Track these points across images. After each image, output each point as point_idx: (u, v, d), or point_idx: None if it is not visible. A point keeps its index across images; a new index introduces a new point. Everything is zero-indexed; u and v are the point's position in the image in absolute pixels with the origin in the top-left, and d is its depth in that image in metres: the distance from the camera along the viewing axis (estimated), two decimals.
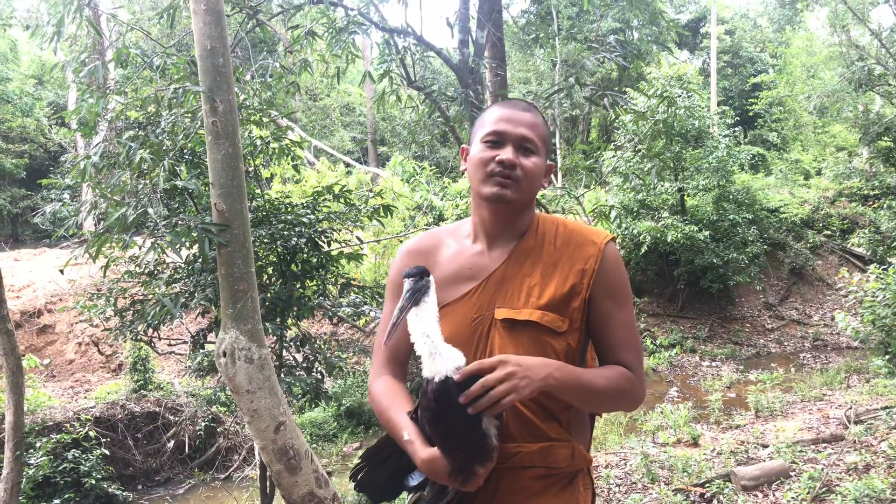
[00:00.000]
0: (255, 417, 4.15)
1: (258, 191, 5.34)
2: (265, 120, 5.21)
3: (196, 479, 8.50)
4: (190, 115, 4.67)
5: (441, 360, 1.55)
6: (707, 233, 14.19)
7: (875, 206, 17.67)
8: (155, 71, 5.05)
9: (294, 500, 4.31)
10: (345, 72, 6.71)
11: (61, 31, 5.13)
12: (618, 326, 1.79)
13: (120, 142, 4.45)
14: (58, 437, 7.40)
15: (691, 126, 14.56)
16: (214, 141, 4.07)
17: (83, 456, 7.44)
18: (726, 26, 27.00)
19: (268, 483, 4.94)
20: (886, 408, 7.32)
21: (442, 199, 14.07)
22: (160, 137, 4.57)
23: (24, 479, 6.23)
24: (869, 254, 15.92)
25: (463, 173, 1.94)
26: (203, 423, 8.87)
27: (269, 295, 4.96)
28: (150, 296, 5.09)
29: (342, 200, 5.48)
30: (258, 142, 5.29)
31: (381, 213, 5.68)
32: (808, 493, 5.27)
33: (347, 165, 18.66)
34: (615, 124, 15.03)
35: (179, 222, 4.48)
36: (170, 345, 8.57)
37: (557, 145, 21.94)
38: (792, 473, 5.79)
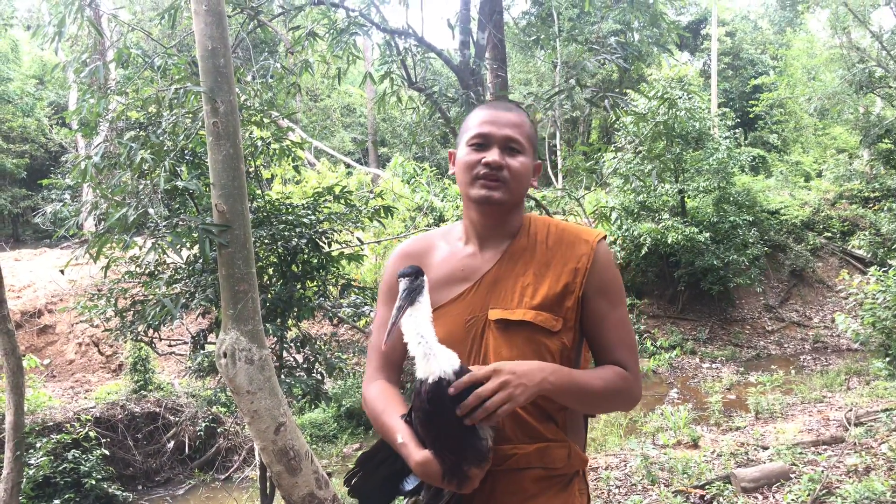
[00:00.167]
0: (255, 418, 4.14)
1: (259, 191, 5.34)
2: (266, 121, 5.21)
3: (196, 480, 8.51)
4: (191, 115, 4.68)
5: (435, 361, 1.54)
6: (707, 234, 14.18)
7: (875, 208, 17.67)
8: (156, 71, 5.06)
9: (294, 501, 4.31)
10: (345, 73, 6.72)
11: (62, 32, 5.13)
12: (612, 325, 1.78)
13: (121, 142, 4.45)
14: (58, 437, 7.40)
15: (692, 128, 14.55)
16: (215, 141, 4.08)
17: (83, 456, 7.45)
18: (727, 28, 27.00)
19: (268, 484, 4.93)
20: (887, 410, 7.32)
21: (442, 200, 14.07)
22: (161, 138, 4.57)
23: (25, 480, 6.23)
24: (869, 256, 15.92)
25: (453, 176, 1.95)
26: (203, 424, 8.87)
27: (269, 296, 4.96)
28: (151, 296, 5.09)
29: (343, 201, 5.48)
30: (259, 142, 5.29)
31: (382, 214, 5.69)
32: (809, 495, 5.27)
33: (348, 166, 18.66)
34: (616, 126, 15.02)
35: (180, 223, 4.48)
36: (170, 345, 8.56)
37: (558, 146, 21.94)
38: (792, 475, 5.79)
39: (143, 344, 7.84)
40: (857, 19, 17.95)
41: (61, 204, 5.44)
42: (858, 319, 9.72)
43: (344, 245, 6.17)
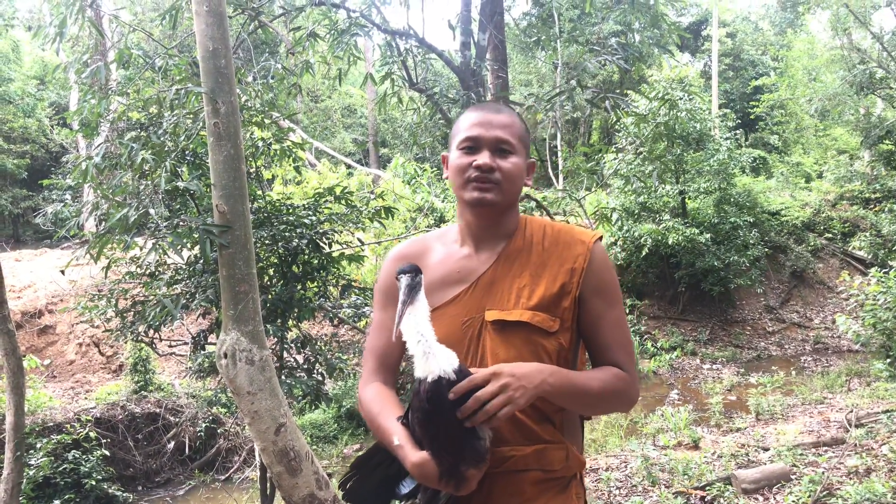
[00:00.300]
0: (255, 419, 4.14)
1: (260, 192, 5.34)
2: (267, 121, 5.22)
3: (196, 481, 8.51)
4: (192, 116, 4.68)
5: (434, 359, 1.53)
6: (708, 235, 14.17)
7: (876, 209, 17.66)
8: (157, 72, 5.06)
9: (294, 502, 4.31)
10: (346, 73, 6.72)
11: (63, 32, 5.14)
12: (609, 326, 1.78)
13: (122, 143, 4.46)
14: (58, 437, 7.40)
15: (692, 129, 14.55)
16: (216, 142, 4.08)
17: (83, 457, 7.44)
18: (728, 29, 27.00)
19: (268, 484, 4.93)
20: (887, 411, 7.32)
21: (443, 201, 14.06)
22: (162, 138, 4.57)
23: (25, 480, 6.23)
24: (870, 257, 15.91)
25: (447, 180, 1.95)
26: (203, 425, 8.87)
27: (270, 296, 4.96)
28: (151, 297, 5.09)
29: (343, 202, 5.49)
30: (260, 143, 5.29)
31: (383, 215, 5.69)
32: (809, 496, 5.27)
33: (349, 167, 18.66)
34: (616, 127, 15.02)
35: (181, 223, 4.48)
36: (170, 346, 8.58)
37: (559, 147, 21.94)
38: (792, 477, 5.79)
39: (143, 344, 7.84)
40: (857, 20, 17.95)
41: (62, 204, 5.45)
42: (859, 320, 9.71)
43: (344, 246, 6.17)
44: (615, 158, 11.76)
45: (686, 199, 15.27)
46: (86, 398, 9.34)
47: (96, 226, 5.45)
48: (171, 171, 4.21)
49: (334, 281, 5.54)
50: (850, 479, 5.62)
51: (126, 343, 8.43)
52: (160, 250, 4.54)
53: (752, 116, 24.42)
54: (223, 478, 8.57)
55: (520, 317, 1.72)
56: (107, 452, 7.78)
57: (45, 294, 12.44)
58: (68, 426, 7.75)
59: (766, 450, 6.78)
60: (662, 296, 15.63)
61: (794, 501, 5.29)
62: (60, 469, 7.23)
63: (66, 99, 22.59)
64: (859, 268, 15.91)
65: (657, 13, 6.50)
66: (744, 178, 16.85)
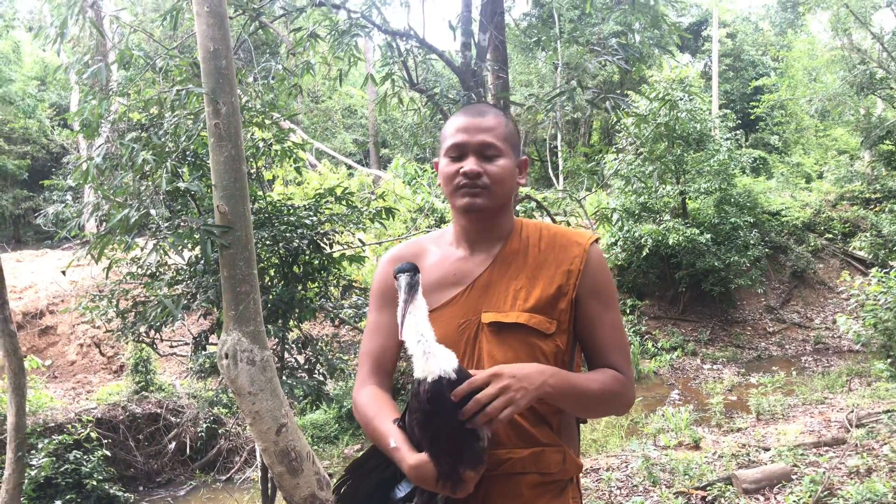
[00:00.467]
0: (256, 419, 4.15)
1: (260, 193, 5.35)
2: (267, 122, 5.23)
3: (197, 481, 8.51)
4: (192, 117, 4.68)
5: (434, 359, 1.52)
6: (708, 236, 14.17)
7: (877, 209, 17.65)
8: (158, 73, 5.07)
9: (296, 502, 4.31)
10: (347, 74, 6.72)
11: (64, 33, 5.15)
12: (605, 328, 1.78)
13: (122, 143, 4.46)
14: (59, 438, 7.40)
15: (693, 129, 14.55)
16: (217, 143, 4.08)
17: (85, 457, 7.45)
18: (728, 29, 27.00)
19: (269, 485, 4.94)
20: (888, 411, 7.32)
21: (443, 202, 14.07)
22: (163, 139, 4.58)
23: (26, 480, 6.23)
24: (870, 257, 15.90)
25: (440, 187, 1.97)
26: (204, 425, 8.87)
27: (270, 297, 4.97)
28: (152, 297, 5.10)
29: (344, 202, 5.49)
30: (260, 144, 5.30)
31: (383, 216, 5.70)
32: (810, 496, 5.27)
33: (349, 167, 18.69)
34: (617, 127, 15.02)
35: (182, 224, 4.49)
36: (171, 346, 8.57)
37: (559, 148, 21.95)
38: (793, 477, 5.79)
39: (144, 345, 7.85)
40: (858, 21, 17.95)
41: (63, 205, 5.47)
42: (860, 321, 9.72)
43: (345, 246, 6.18)
44: (615, 159, 11.76)
45: (686, 200, 15.27)
46: (87, 399, 9.34)
47: (97, 226, 5.46)
48: (171, 172, 4.22)
49: (335, 281, 5.55)
50: (851, 479, 5.62)
51: (127, 343, 8.43)
52: (161, 251, 4.56)
53: (752, 117, 24.41)
54: (224, 478, 8.58)
55: (516, 319, 1.72)
56: (108, 453, 7.78)
57: (47, 295, 12.45)
58: (69, 427, 7.76)
59: (767, 450, 6.78)
60: (663, 296, 15.63)
61: (794, 501, 5.29)
62: (62, 469, 7.24)
63: (67, 100, 22.61)
64: (860, 268, 15.90)
65: (658, 14, 6.50)
66: (744, 178, 16.85)
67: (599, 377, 1.73)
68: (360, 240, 7.79)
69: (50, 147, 22.49)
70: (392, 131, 25.86)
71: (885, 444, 6.39)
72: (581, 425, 1.97)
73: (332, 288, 5.53)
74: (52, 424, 7.83)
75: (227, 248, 4.06)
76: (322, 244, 5.25)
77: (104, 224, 4.61)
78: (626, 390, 1.76)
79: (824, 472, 5.72)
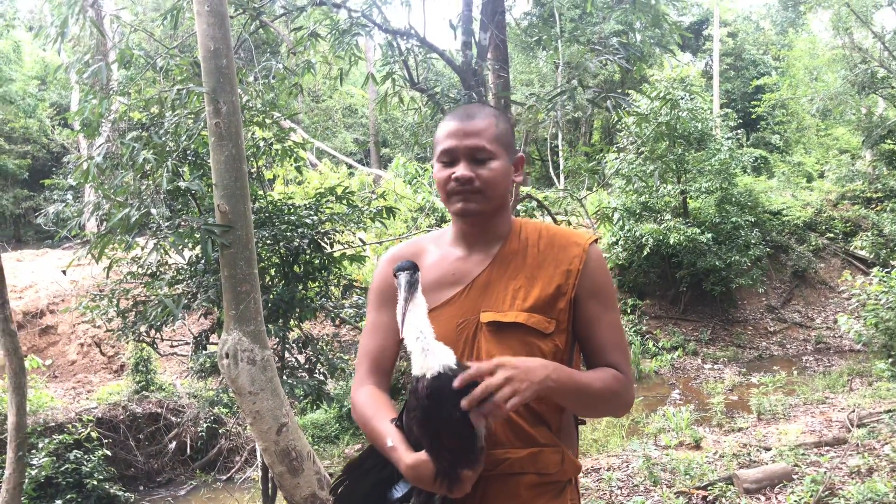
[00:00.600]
0: (257, 419, 4.14)
1: (261, 192, 5.34)
2: (268, 121, 5.22)
3: (198, 481, 8.51)
4: (193, 116, 4.68)
5: (433, 356, 1.51)
6: (709, 235, 14.16)
7: (878, 209, 17.64)
8: (158, 72, 5.07)
9: (296, 502, 4.31)
10: (347, 73, 6.72)
11: (65, 33, 5.14)
12: (605, 328, 1.77)
13: (123, 143, 4.46)
14: (60, 437, 7.40)
15: (694, 128, 14.54)
16: (218, 142, 4.08)
17: (85, 457, 7.45)
18: (729, 29, 26.98)
19: (270, 485, 4.93)
20: (889, 411, 7.31)
21: None
22: (163, 139, 4.58)
23: (27, 480, 6.23)
24: (872, 257, 15.88)
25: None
26: (205, 425, 8.87)
27: (271, 296, 4.96)
28: (153, 297, 5.10)
29: (345, 202, 5.49)
30: (261, 143, 5.30)
31: (384, 215, 5.69)
32: (811, 496, 5.26)
33: (350, 167, 18.68)
34: (618, 126, 15.02)
35: (182, 223, 4.49)
36: (172, 346, 8.56)
37: (560, 147, 21.93)
38: (794, 477, 5.78)
39: (144, 344, 7.83)
40: (859, 20, 17.94)
41: (63, 204, 5.46)
42: (861, 320, 9.70)
43: (346, 246, 6.17)
44: (616, 158, 11.76)
45: (687, 199, 15.26)
46: (87, 398, 9.34)
47: (98, 226, 5.45)
48: (172, 171, 4.22)
49: (336, 281, 5.55)
50: (853, 478, 5.62)
51: (127, 343, 8.43)
52: (161, 250, 4.55)
53: (753, 116, 24.40)
54: (225, 478, 8.57)
55: (515, 318, 1.71)
56: (108, 452, 7.78)
57: (47, 294, 12.45)
58: (70, 426, 7.76)
59: (768, 449, 6.77)
60: (664, 295, 15.62)
61: (795, 501, 5.28)
62: (62, 469, 7.24)
63: (68, 99, 22.61)
64: (861, 267, 15.88)
65: (658, 13, 6.50)
66: (745, 177, 16.83)
67: (600, 375, 1.72)
68: (360, 239, 7.79)
69: (50, 146, 22.49)
70: (393, 130, 25.86)
71: (887, 443, 6.38)
72: (581, 426, 1.96)
73: (332, 287, 5.53)
74: (53, 424, 7.82)
75: (227, 248, 4.05)
76: (323, 243, 5.24)
77: (105, 223, 4.61)
78: (626, 390, 1.75)
79: (825, 472, 5.71)
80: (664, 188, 14.52)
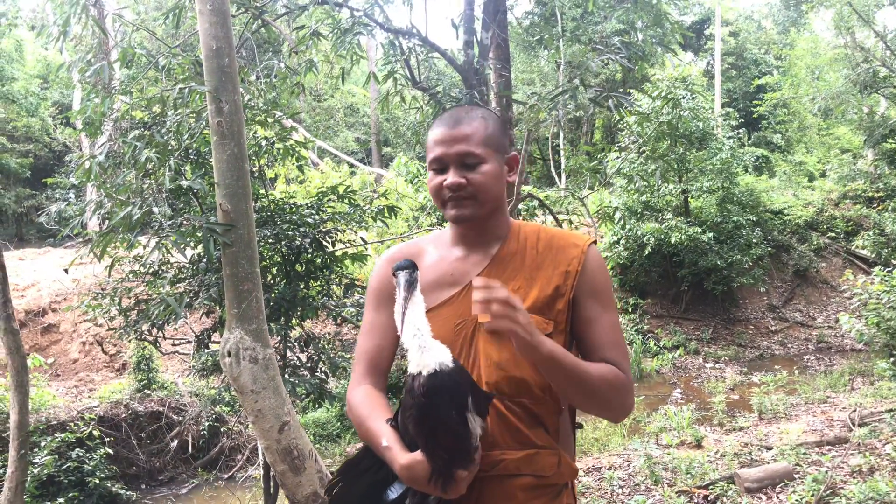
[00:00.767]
0: (259, 417, 4.15)
1: (263, 191, 5.35)
2: (270, 120, 5.22)
3: (199, 479, 8.52)
4: (195, 115, 4.68)
5: (430, 354, 1.51)
6: (711, 234, 14.16)
7: (880, 208, 17.62)
8: (160, 71, 5.07)
9: (298, 501, 4.32)
10: (349, 72, 6.72)
11: (67, 31, 5.15)
12: (604, 328, 1.75)
13: (125, 141, 4.47)
14: (62, 436, 7.42)
15: (695, 128, 14.53)
16: (220, 141, 4.09)
17: (87, 455, 7.46)
18: (730, 28, 26.96)
19: (271, 483, 4.94)
20: (891, 410, 7.30)
21: None
22: (165, 137, 4.58)
23: (29, 478, 6.24)
24: (873, 256, 15.87)
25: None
26: (207, 423, 8.88)
27: (273, 295, 4.97)
28: (155, 295, 5.10)
29: (346, 201, 5.49)
30: (263, 142, 5.30)
31: (386, 214, 5.70)
32: (813, 495, 5.27)
33: (351, 166, 18.67)
34: (619, 126, 15.02)
35: (184, 222, 4.49)
36: (174, 344, 8.57)
37: (561, 146, 21.94)
38: (796, 476, 5.78)
39: (146, 343, 7.83)
40: (861, 19, 17.91)
41: (65, 203, 5.46)
42: (862, 320, 9.69)
43: (347, 245, 6.17)
44: (618, 157, 11.74)
45: (689, 198, 15.26)
46: (89, 397, 9.35)
47: (100, 224, 5.46)
48: (174, 170, 4.22)
49: (337, 280, 5.55)
50: (854, 478, 5.62)
51: (129, 342, 8.43)
52: (163, 249, 4.56)
53: (755, 115, 24.37)
54: (226, 476, 8.59)
55: None
56: (110, 451, 7.79)
57: (49, 293, 12.47)
58: (72, 424, 7.77)
59: (770, 449, 6.77)
60: (665, 295, 15.62)
61: (797, 500, 5.28)
62: (64, 467, 7.25)
63: (70, 98, 22.63)
64: (862, 267, 15.87)
65: (660, 12, 6.50)
66: (747, 177, 16.82)
67: (599, 366, 1.69)
68: (362, 238, 7.78)
69: (52, 145, 22.52)
70: (394, 130, 25.85)
71: (888, 443, 6.38)
72: (579, 429, 1.95)
73: (334, 286, 5.53)
74: (55, 422, 7.84)
75: (229, 247, 4.06)
76: (324, 242, 5.25)
77: (107, 222, 4.62)
78: (626, 389, 1.72)
79: (827, 471, 5.71)
80: (666, 187, 14.51)
